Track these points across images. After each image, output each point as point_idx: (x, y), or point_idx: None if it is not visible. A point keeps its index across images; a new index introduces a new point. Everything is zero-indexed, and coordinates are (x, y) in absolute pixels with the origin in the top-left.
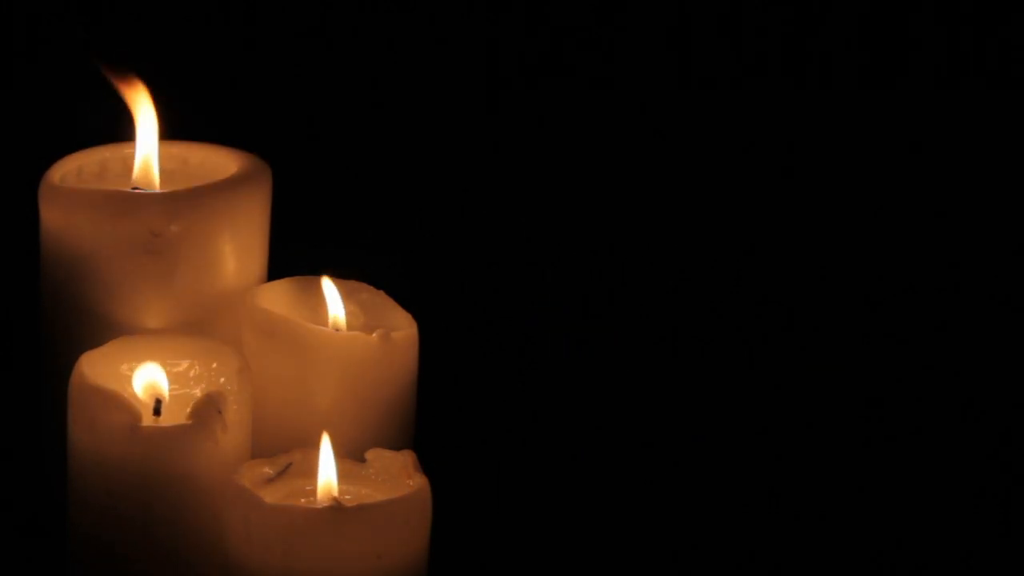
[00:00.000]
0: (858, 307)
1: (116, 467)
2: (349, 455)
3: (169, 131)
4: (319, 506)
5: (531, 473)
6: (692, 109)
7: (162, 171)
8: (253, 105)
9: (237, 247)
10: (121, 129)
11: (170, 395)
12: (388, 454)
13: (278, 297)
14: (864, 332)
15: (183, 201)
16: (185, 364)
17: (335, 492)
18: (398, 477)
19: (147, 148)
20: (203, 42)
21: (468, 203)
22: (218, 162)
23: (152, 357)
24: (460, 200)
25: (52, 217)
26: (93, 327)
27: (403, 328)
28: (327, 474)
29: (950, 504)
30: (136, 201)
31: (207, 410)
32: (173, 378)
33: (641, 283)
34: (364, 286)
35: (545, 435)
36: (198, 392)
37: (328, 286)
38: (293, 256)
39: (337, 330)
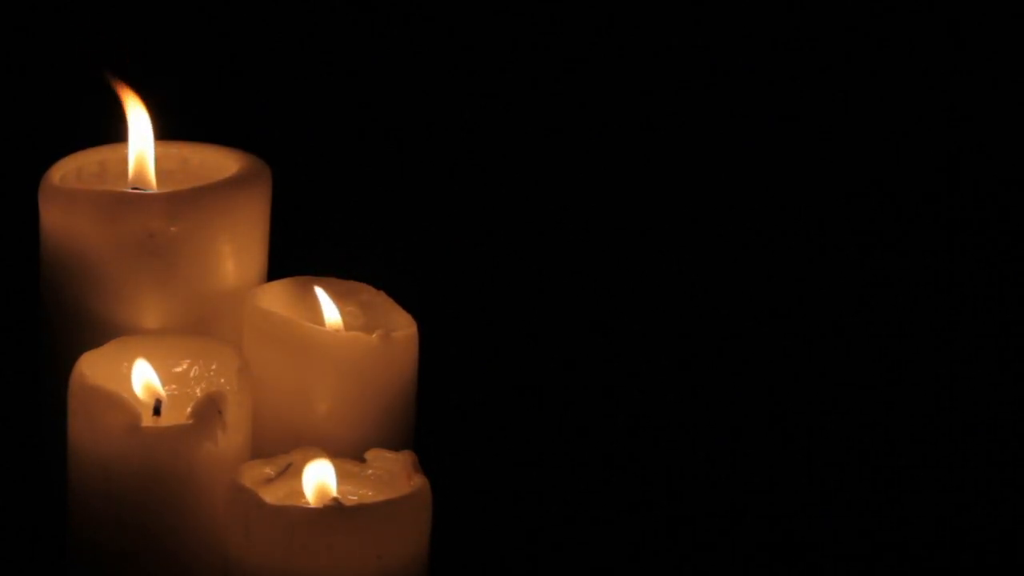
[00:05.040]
0: (856, 307)
1: (116, 467)
2: (349, 455)
3: (169, 131)
4: (319, 506)
5: (531, 473)
6: (693, 109)
7: (162, 171)
8: (253, 105)
9: (237, 247)
10: (121, 129)
11: (170, 395)
12: (388, 454)
13: (278, 297)
14: (866, 333)
15: (183, 201)
16: (185, 364)
17: (332, 493)
18: (398, 477)
19: (141, 148)
20: (203, 42)
21: (468, 203)
22: (218, 162)
23: (152, 357)
24: (460, 200)
25: (52, 217)
26: (93, 327)
27: (403, 328)
28: (319, 478)
29: (950, 506)
30: (136, 201)
31: (207, 410)
32: (173, 378)
33: (642, 283)
34: (364, 286)
35: (545, 435)
36: (198, 392)
37: (321, 294)
38: (293, 256)
39: (337, 331)
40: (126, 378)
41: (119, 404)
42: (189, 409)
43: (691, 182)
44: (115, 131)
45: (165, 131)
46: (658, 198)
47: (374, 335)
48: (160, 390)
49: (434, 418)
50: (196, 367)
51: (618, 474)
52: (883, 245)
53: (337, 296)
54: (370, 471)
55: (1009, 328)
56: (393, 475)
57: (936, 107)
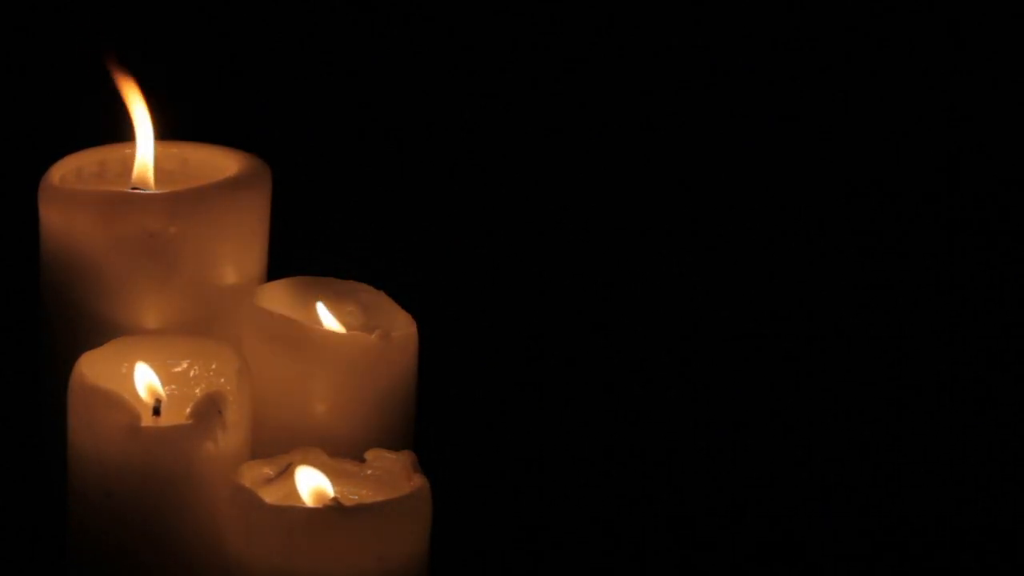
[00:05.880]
0: (857, 308)
1: (116, 467)
2: (349, 455)
3: (169, 131)
4: (319, 506)
5: (531, 473)
6: (693, 109)
7: (162, 171)
8: (253, 105)
9: (237, 247)
10: (121, 129)
11: (170, 395)
12: (388, 454)
13: (278, 297)
14: (867, 334)
15: (183, 201)
16: (185, 364)
17: (329, 494)
18: (398, 477)
19: (145, 148)
20: (204, 42)
21: (468, 203)
22: (218, 162)
23: (152, 357)
24: (460, 200)
25: (52, 217)
26: (93, 327)
27: (403, 328)
28: (312, 484)
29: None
30: (136, 201)
31: (207, 410)
32: (173, 378)
33: (642, 284)
34: (364, 286)
35: (545, 435)
36: (198, 392)
37: (320, 308)
38: (293, 256)
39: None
40: (126, 378)
41: (119, 404)
42: (189, 409)
43: (691, 182)
44: (115, 131)
45: (165, 131)
46: (658, 198)
47: (374, 335)
48: (160, 391)
49: (434, 418)
50: (196, 367)
51: (618, 474)
52: (883, 246)
53: (337, 296)
54: (370, 471)
55: (1009, 329)
56: (393, 475)
57: (936, 107)
